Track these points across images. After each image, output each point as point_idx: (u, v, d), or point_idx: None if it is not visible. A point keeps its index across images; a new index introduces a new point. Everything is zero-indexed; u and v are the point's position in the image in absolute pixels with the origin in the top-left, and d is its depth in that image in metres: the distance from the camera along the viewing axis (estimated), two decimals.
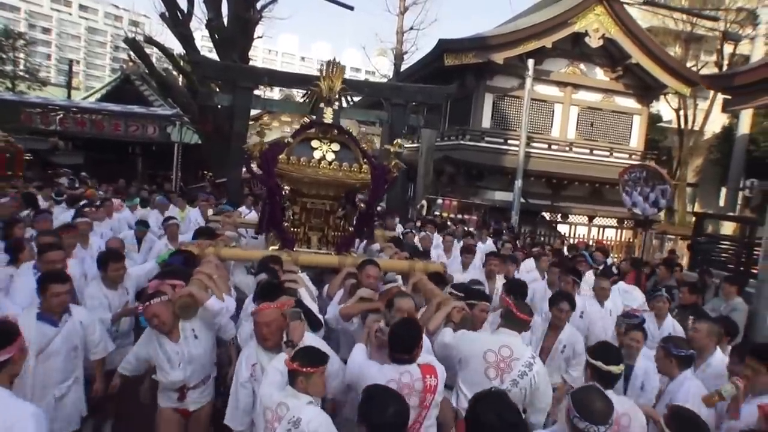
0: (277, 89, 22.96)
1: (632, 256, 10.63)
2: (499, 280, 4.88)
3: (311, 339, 2.63)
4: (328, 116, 4.09)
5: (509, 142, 14.25)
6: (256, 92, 10.69)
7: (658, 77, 14.44)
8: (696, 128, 20.42)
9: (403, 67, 17.98)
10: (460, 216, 11.19)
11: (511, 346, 2.69)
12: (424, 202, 11.66)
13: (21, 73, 22.20)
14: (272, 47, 77.53)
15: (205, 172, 17.83)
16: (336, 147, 4.08)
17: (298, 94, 19.07)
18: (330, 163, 3.99)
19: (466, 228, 8.92)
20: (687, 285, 5.00)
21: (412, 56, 18.61)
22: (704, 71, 19.23)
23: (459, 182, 14.50)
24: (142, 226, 5.73)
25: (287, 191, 4.49)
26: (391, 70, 18.91)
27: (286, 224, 4.25)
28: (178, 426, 2.95)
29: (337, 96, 4.12)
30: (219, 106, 11.53)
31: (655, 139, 20.27)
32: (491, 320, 3.40)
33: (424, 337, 2.80)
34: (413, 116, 11.81)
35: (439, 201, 12.21)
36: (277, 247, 4.18)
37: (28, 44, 23.59)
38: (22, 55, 22.37)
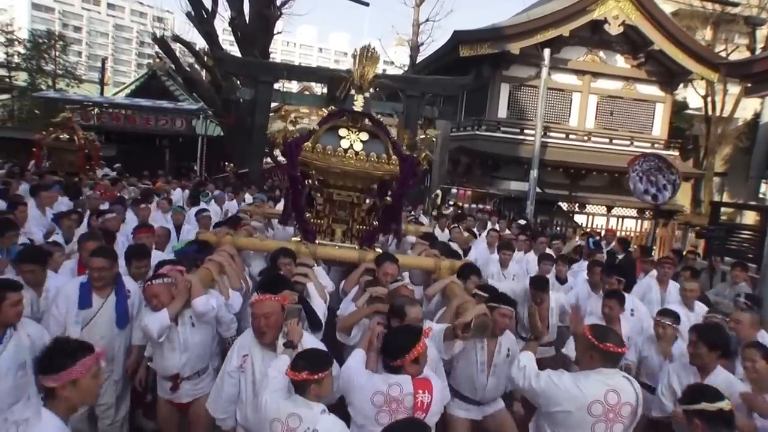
0: (295, 81, 23.42)
1: (644, 245, 10.58)
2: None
3: (309, 340, 2.48)
4: (358, 104, 3.85)
5: (525, 131, 14.22)
6: (276, 85, 11.07)
7: (682, 63, 14.06)
8: (725, 115, 19.71)
9: (420, 59, 18.09)
10: (476, 206, 11.36)
11: (617, 389, 2.26)
12: (438, 191, 11.84)
13: (60, 72, 23.45)
14: (290, 39, 77.92)
15: (227, 163, 18.51)
16: (365, 136, 3.86)
17: (316, 87, 19.49)
18: (357, 153, 3.76)
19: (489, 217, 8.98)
20: (688, 269, 5.13)
21: (429, 47, 18.63)
22: (735, 55, 18.50)
23: (475, 172, 14.60)
24: (179, 208, 5.89)
25: (312, 181, 4.29)
26: (408, 60, 19.03)
27: (308, 215, 4.09)
28: (175, 418, 2.88)
29: (369, 83, 3.90)
30: (241, 100, 12.02)
31: (680, 128, 19.70)
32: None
33: (432, 349, 2.59)
34: (429, 107, 11.97)
35: (454, 190, 12.36)
36: (298, 239, 4.06)
37: (66, 45, 24.90)
38: (58, 53, 23.64)
